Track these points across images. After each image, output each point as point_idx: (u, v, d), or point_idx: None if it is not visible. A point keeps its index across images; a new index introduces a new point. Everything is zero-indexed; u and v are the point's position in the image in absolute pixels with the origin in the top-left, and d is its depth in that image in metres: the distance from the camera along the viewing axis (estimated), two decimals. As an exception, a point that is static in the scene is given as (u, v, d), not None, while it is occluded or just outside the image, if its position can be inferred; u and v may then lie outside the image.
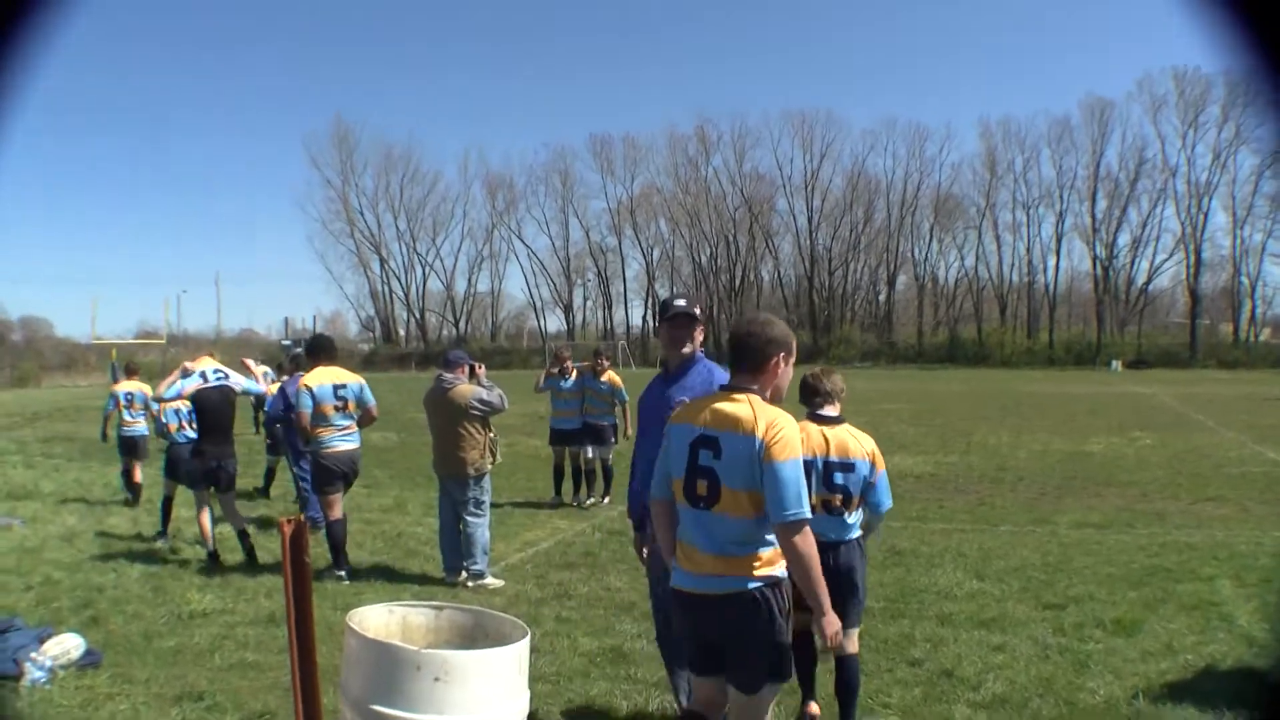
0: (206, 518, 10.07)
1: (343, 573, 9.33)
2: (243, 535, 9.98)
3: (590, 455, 13.97)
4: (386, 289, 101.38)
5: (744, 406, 3.96)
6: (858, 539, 5.45)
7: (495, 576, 9.29)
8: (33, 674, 6.23)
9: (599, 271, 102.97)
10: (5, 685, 6.13)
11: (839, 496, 5.35)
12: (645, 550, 5.39)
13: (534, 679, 4.39)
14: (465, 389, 9.33)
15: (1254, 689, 6.28)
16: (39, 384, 61.34)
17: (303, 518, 4.02)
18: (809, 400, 5.64)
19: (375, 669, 3.80)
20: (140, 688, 6.28)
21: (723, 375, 5.00)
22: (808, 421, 5.47)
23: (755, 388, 4.06)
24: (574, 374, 14.08)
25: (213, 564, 9.82)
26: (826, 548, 4.55)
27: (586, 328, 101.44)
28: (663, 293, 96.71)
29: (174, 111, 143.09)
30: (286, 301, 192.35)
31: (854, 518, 5.40)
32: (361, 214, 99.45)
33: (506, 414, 10.11)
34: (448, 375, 9.43)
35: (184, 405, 10.91)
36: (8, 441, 22.52)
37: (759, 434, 3.86)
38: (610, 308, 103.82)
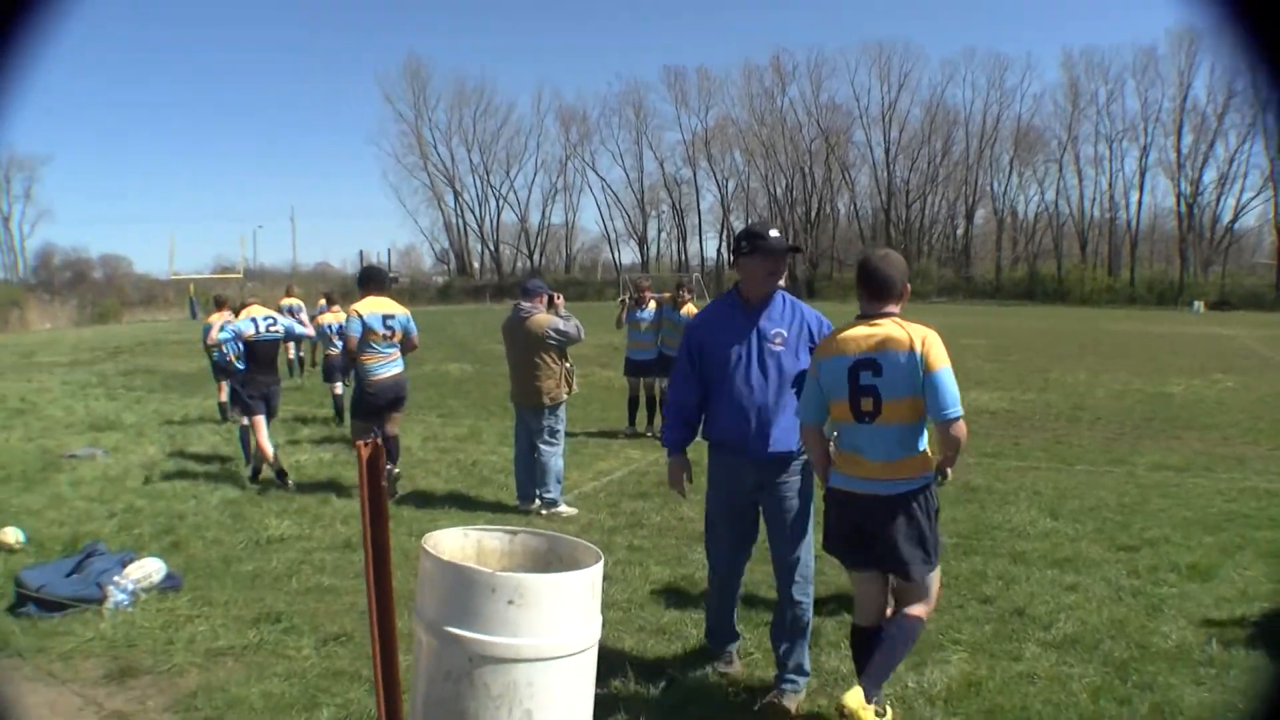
0: (266, 441, 10.47)
1: (393, 467, 9.91)
2: (261, 466, 10.65)
3: (666, 387, 13.87)
4: (460, 222, 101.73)
5: (894, 328, 4.59)
6: None
7: (569, 505, 9.38)
8: (115, 597, 6.39)
9: (673, 203, 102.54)
10: (89, 608, 6.30)
11: None
12: (686, 477, 5.53)
13: (606, 606, 4.43)
14: (543, 318, 9.37)
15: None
16: (120, 320, 62.12)
17: (379, 441, 4.05)
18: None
19: (450, 591, 3.83)
20: (219, 610, 6.44)
21: (805, 307, 5.37)
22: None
23: (895, 311, 4.70)
24: (652, 305, 14.05)
25: (281, 481, 10.25)
26: None
27: (661, 259, 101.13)
28: (738, 224, 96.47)
29: (249, 51, 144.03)
30: (361, 235, 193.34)
31: None
32: (435, 148, 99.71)
33: (582, 345, 10.15)
34: (525, 304, 9.48)
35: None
36: (90, 375, 22.94)
37: (917, 349, 4.50)
38: (685, 240, 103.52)
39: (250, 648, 5.82)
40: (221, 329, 11.02)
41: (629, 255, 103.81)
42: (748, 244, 5.24)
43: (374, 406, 9.76)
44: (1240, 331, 43.47)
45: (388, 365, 9.76)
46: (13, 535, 7.92)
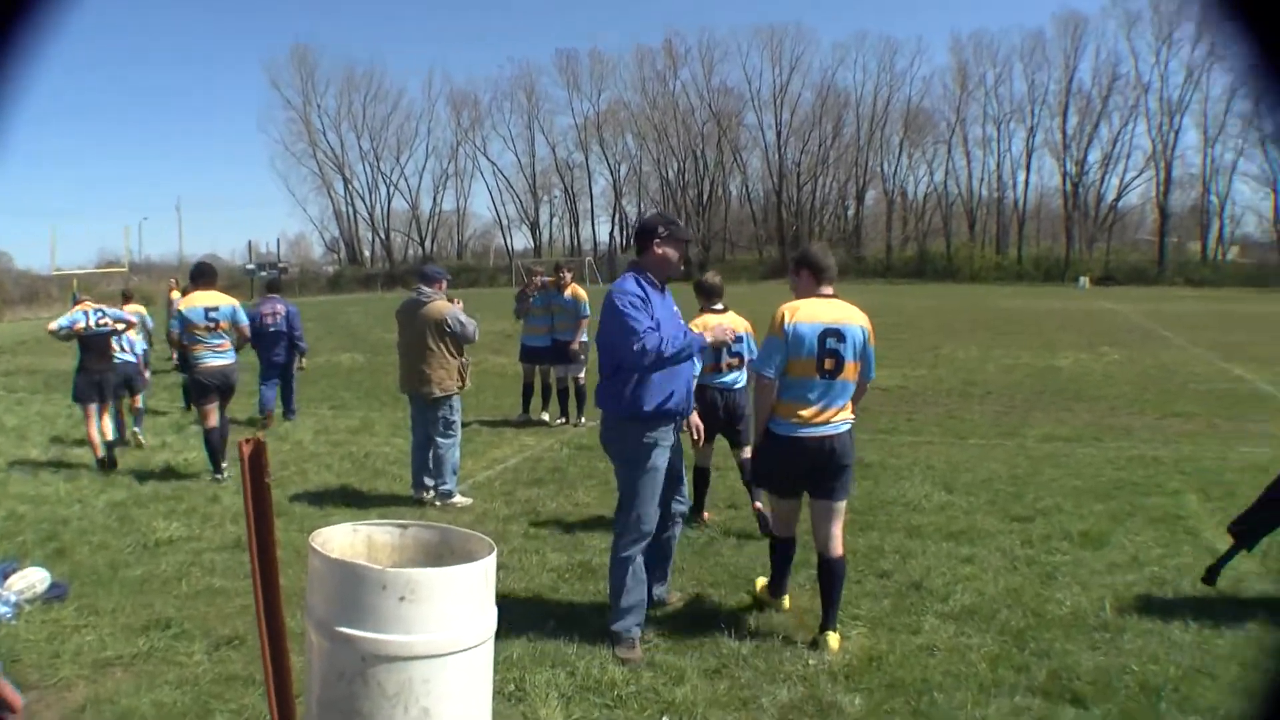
0: (94, 430, 11.05)
1: (220, 476, 10.14)
2: (110, 446, 11.12)
3: (561, 375, 13.76)
4: (351, 210, 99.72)
5: (845, 306, 5.82)
6: (740, 388, 8.11)
7: (464, 495, 9.27)
8: (-2, 610, 6.17)
9: (565, 188, 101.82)
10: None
11: (736, 360, 8.07)
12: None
13: (502, 595, 4.36)
14: (442, 305, 9.22)
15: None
16: (0, 318, 60.33)
17: (262, 437, 3.92)
18: (709, 298, 8.09)
19: (340, 589, 3.75)
20: (107, 618, 6.23)
21: None
22: (707, 315, 7.97)
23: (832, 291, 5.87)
24: (539, 289, 13.83)
25: (100, 470, 10.67)
26: (726, 391, 8.12)
27: (553, 244, 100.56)
28: (630, 209, 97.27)
29: (129, 36, 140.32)
30: (250, 225, 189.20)
31: (738, 376, 8.12)
32: (324, 134, 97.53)
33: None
34: (426, 289, 9.33)
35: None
36: (-32, 375, 22.23)
37: (865, 325, 5.80)
38: (577, 224, 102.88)
39: (140, 656, 5.64)
40: (58, 321, 11.43)
41: (521, 240, 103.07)
42: (666, 230, 5.93)
43: (204, 390, 10.16)
44: (1125, 306, 44.56)
45: (215, 355, 10.11)
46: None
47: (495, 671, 4.15)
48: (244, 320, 10.48)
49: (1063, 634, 5.76)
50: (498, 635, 4.05)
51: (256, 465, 3.75)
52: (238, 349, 10.46)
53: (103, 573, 7.17)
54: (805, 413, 5.64)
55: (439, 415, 9.23)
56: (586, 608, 6.24)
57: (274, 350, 14.30)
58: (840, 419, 5.70)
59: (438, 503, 9.09)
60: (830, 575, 5.80)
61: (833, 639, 5.66)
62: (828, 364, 5.62)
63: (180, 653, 5.67)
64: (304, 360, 15.19)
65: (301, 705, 4.04)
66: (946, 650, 5.54)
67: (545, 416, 13.90)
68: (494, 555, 3.96)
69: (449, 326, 9.12)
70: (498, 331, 24.59)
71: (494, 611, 3.99)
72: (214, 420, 10.20)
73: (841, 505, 5.84)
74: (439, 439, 9.22)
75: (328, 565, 3.82)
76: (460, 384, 9.36)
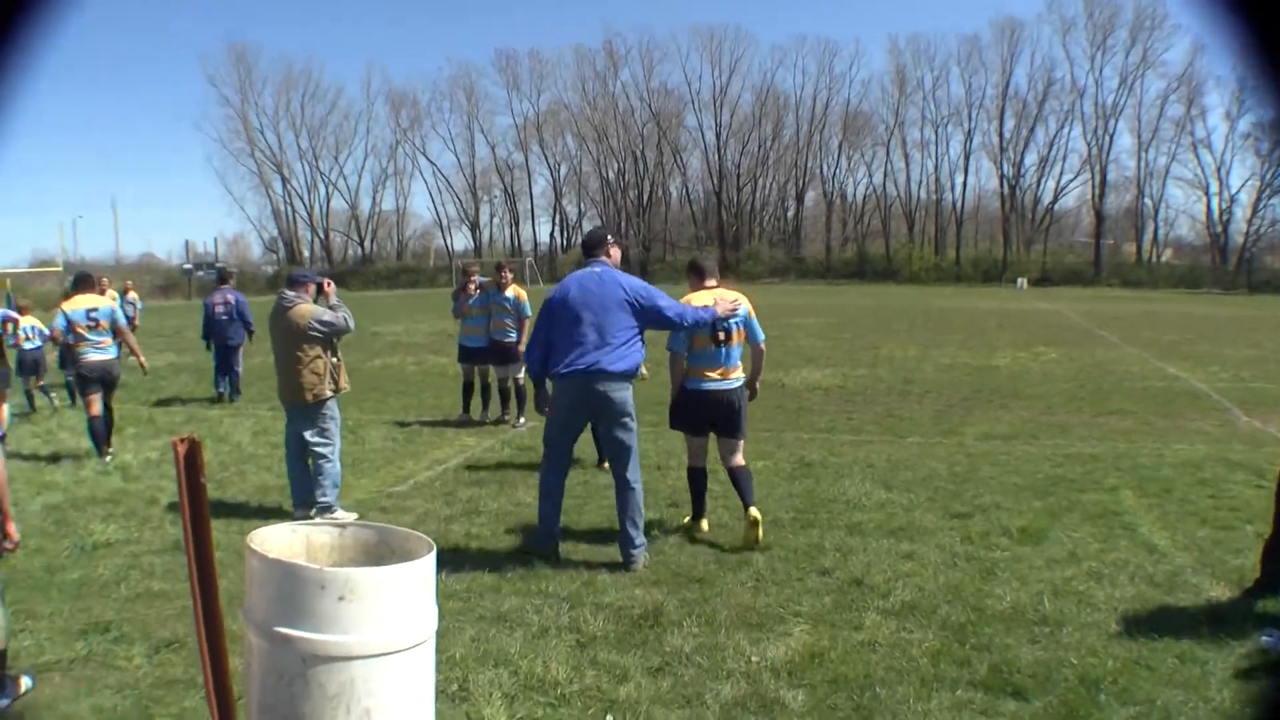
0: None
1: (106, 460, 11.01)
2: None
3: (501, 375, 13.60)
4: (289, 209, 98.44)
5: (725, 290, 7.81)
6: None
7: (405, 494, 9.02)
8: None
9: (505, 188, 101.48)
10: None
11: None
12: (546, 407, 7.65)
13: (444, 595, 4.34)
14: (306, 309, 8.68)
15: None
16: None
17: (196, 436, 3.83)
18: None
19: (278, 590, 3.70)
20: (44, 623, 6.12)
21: None
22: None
23: (716, 284, 7.89)
24: (477, 289, 13.72)
25: None
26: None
27: (493, 245, 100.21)
28: (570, 209, 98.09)
29: (62, 32, 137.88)
30: (187, 224, 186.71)
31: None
32: (261, 133, 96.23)
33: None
34: (289, 293, 8.81)
35: None
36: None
37: (745, 302, 7.76)
38: (517, 224, 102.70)
39: (79, 660, 5.55)
40: None
41: (461, 241, 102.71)
42: (612, 237, 7.68)
43: (86, 383, 11.18)
44: (1061, 306, 45.13)
45: (96, 350, 11.17)
46: None
47: (438, 671, 4.13)
48: (122, 320, 11.69)
49: (1003, 628, 5.80)
50: (440, 635, 4.02)
51: (192, 465, 3.69)
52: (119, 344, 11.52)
53: (39, 576, 7.04)
54: (710, 373, 7.60)
55: (315, 423, 8.71)
56: (528, 607, 6.19)
57: (226, 335, 16.14)
58: (735, 377, 7.71)
59: (318, 518, 8.43)
60: (737, 477, 7.74)
61: (754, 511, 7.49)
62: (719, 335, 7.57)
63: (120, 656, 5.58)
64: (252, 339, 16.68)
65: (242, 708, 3.99)
66: (888, 646, 5.55)
67: (487, 416, 13.81)
68: (433, 554, 3.93)
69: (315, 330, 8.59)
70: (439, 331, 24.46)
71: (435, 611, 3.95)
72: (96, 409, 11.16)
73: (740, 441, 7.80)
74: (314, 448, 8.68)
75: (266, 565, 3.77)
76: (334, 387, 8.80)
